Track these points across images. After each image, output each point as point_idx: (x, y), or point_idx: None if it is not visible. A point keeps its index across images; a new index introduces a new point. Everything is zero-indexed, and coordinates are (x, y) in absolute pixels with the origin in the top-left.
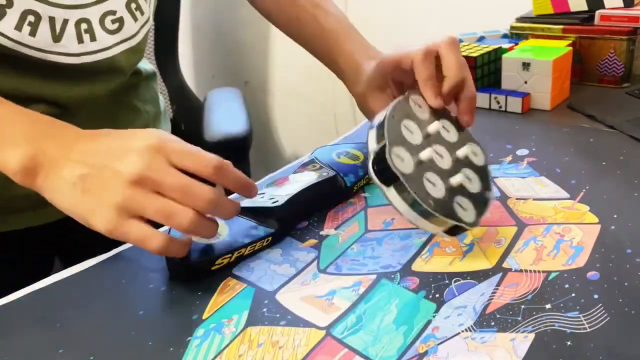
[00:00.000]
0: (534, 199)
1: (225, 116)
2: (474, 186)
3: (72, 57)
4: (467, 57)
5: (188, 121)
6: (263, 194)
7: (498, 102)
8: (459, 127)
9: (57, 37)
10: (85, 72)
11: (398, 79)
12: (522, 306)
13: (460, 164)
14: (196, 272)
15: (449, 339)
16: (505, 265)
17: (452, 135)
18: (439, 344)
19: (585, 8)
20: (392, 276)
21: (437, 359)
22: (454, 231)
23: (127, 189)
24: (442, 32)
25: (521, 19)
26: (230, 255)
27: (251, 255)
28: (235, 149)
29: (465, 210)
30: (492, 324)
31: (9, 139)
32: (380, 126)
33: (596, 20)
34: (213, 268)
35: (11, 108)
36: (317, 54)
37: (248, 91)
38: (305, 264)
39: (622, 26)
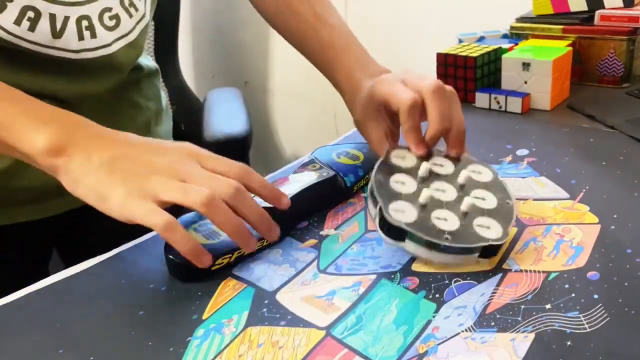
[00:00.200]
0: (533, 199)
1: (225, 116)
2: (490, 202)
3: (71, 53)
4: (467, 57)
5: (188, 121)
6: None
7: (498, 102)
8: (453, 158)
9: (57, 34)
10: (84, 68)
11: (390, 112)
12: (522, 306)
13: (467, 188)
14: (196, 272)
15: (449, 339)
16: (505, 265)
17: (447, 167)
18: (439, 344)
19: (585, 8)
20: (392, 276)
21: (437, 359)
22: (487, 253)
23: (155, 175)
24: (442, 32)
25: (521, 19)
26: (230, 255)
27: (251, 255)
28: (235, 149)
29: (488, 228)
30: (492, 324)
31: (38, 119)
32: (371, 192)
33: (596, 21)
34: (213, 268)
35: (28, 96)
36: (318, 67)
37: (248, 91)
38: (305, 264)
39: (622, 26)
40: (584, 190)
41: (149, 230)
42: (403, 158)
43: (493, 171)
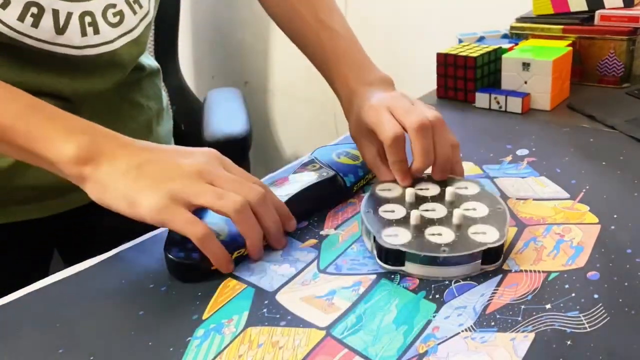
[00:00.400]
0: (534, 199)
1: (225, 116)
2: (481, 210)
3: (74, 49)
4: (467, 57)
5: (188, 121)
6: None
7: (498, 102)
8: (438, 185)
9: (60, 30)
10: (87, 65)
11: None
12: (522, 306)
13: (456, 203)
14: (196, 272)
15: (449, 338)
16: (505, 266)
17: (433, 189)
18: (439, 344)
19: (585, 8)
20: (392, 276)
21: (437, 359)
22: (490, 259)
23: (184, 177)
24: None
25: (521, 19)
26: (229, 255)
27: (249, 256)
28: (235, 149)
29: (484, 233)
30: (492, 324)
31: (66, 128)
32: (365, 227)
33: (596, 21)
34: (213, 268)
35: (50, 106)
36: (319, 71)
37: (248, 91)
38: (305, 264)
39: (622, 26)
40: (584, 190)
41: (148, 230)
42: (389, 190)
43: (479, 183)
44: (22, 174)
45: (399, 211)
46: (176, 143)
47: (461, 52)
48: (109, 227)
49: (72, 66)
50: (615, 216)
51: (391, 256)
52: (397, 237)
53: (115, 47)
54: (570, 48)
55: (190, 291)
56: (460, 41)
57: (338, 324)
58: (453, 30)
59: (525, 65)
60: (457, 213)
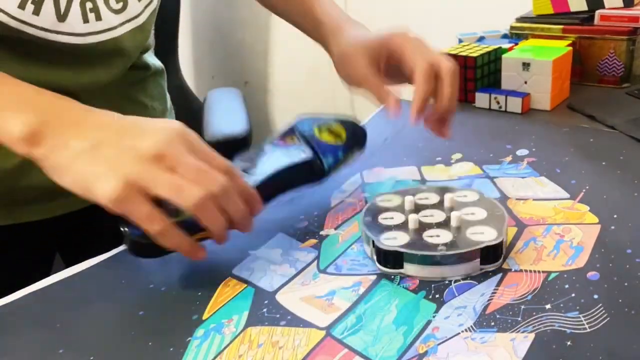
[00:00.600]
0: (533, 199)
1: (225, 116)
2: (481, 213)
3: (77, 37)
4: (467, 57)
5: (188, 121)
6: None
7: (498, 102)
8: (438, 194)
9: (62, 17)
10: (89, 54)
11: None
12: (522, 306)
13: (455, 209)
14: (155, 250)
15: (449, 339)
16: (505, 265)
17: (432, 198)
18: (439, 344)
19: (585, 8)
20: (392, 276)
21: (437, 359)
22: (489, 259)
23: (142, 162)
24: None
25: (521, 19)
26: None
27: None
28: (235, 149)
29: (482, 233)
30: (492, 324)
31: (13, 104)
32: (365, 234)
33: (596, 20)
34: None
35: (15, 80)
36: (297, 18)
37: (248, 91)
38: (305, 264)
39: (622, 26)
40: (584, 190)
41: None
42: (389, 200)
43: (478, 191)
44: (28, 174)
45: (398, 217)
46: None
47: (461, 52)
48: (110, 228)
49: (75, 57)
50: (615, 216)
51: (390, 258)
52: (396, 240)
53: (119, 33)
54: (570, 48)
55: (190, 291)
56: (460, 41)
57: (338, 324)
58: (453, 30)
59: (525, 65)
60: (455, 215)
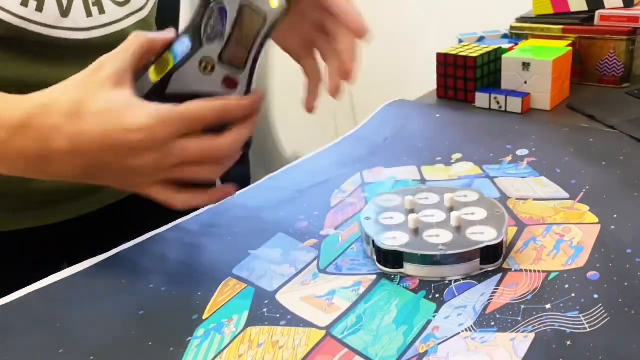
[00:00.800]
0: (534, 199)
1: None
2: (482, 213)
3: (81, 32)
4: (467, 57)
5: None
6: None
7: (498, 102)
8: (438, 194)
9: (64, 12)
10: (93, 50)
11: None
12: (522, 306)
13: (455, 209)
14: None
15: (449, 339)
16: (505, 265)
17: (432, 199)
18: (439, 344)
19: (585, 8)
20: (392, 276)
21: (437, 359)
22: (489, 259)
23: (151, 176)
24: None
25: (521, 19)
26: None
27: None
28: None
29: (482, 233)
30: (492, 324)
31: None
32: (365, 233)
33: (596, 21)
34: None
35: None
36: None
37: None
38: (305, 264)
39: (622, 26)
40: (584, 190)
41: (153, 229)
42: (389, 200)
43: (478, 191)
44: (33, 179)
45: (397, 217)
46: None
47: (461, 52)
48: (117, 232)
49: (80, 53)
50: (615, 216)
51: (390, 258)
52: (396, 240)
53: (123, 26)
54: (570, 48)
55: (190, 291)
56: (460, 41)
57: (338, 324)
58: (453, 30)
59: (525, 65)
60: (455, 216)
